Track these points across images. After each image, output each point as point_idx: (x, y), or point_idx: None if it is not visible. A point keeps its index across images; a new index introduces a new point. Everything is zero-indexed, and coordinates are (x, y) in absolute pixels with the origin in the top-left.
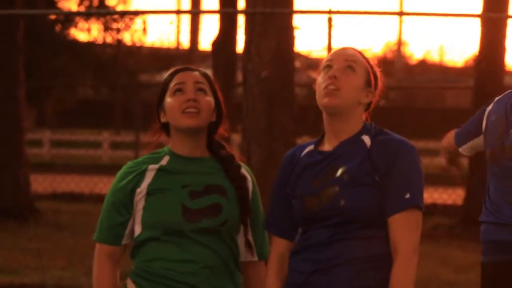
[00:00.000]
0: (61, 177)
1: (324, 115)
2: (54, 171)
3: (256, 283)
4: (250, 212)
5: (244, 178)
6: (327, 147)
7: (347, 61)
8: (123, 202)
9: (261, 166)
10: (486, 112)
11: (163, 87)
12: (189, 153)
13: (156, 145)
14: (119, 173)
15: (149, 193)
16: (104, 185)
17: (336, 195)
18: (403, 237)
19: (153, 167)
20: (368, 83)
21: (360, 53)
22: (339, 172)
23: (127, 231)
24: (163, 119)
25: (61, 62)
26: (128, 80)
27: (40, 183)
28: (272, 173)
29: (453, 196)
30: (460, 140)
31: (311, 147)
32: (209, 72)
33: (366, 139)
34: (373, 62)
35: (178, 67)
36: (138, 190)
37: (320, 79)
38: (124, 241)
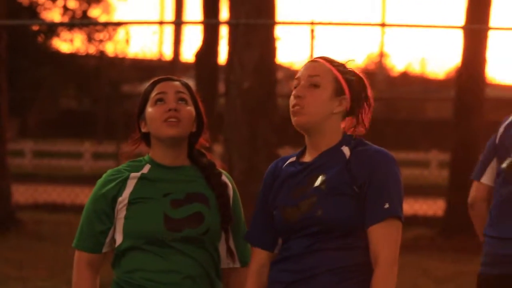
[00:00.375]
0: (43, 187)
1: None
2: (36, 182)
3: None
4: (231, 220)
5: (225, 185)
6: (307, 158)
7: (310, 78)
8: (105, 210)
9: (243, 176)
10: (504, 125)
11: (144, 97)
12: (170, 162)
13: (135, 154)
14: (100, 180)
15: (131, 202)
16: (86, 196)
17: (313, 205)
18: (383, 247)
19: (134, 175)
20: (338, 92)
21: (330, 62)
22: (318, 182)
23: (108, 239)
24: (143, 129)
25: (43, 73)
26: (111, 90)
27: (22, 194)
28: (254, 183)
29: (434, 207)
30: (477, 173)
31: (293, 159)
32: (191, 83)
33: (346, 150)
34: (345, 69)
35: (159, 77)
36: (120, 199)
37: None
38: (104, 249)
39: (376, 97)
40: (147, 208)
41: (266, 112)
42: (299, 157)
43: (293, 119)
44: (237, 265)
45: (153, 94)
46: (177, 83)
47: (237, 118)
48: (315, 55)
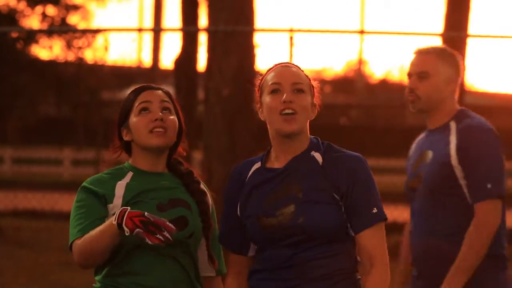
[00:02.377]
0: (22, 194)
1: (276, 136)
2: (16, 188)
3: None
4: (211, 226)
5: (204, 192)
6: (275, 164)
7: (295, 83)
8: (99, 200)
9: (222, 184)
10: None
11: (126, 106)
12: (151, 169)
13: (115, 162)
14: (86, 184)
15: (123, 205)
16: (65, 202)
17: (293, 214)
18: (376, 249)
19: (121, 183)
20: (312, 99)
21: (300, 68)
22: (294, 190)
23: None
24: (126, 138)
25: (23, 80)
26: (90, 97)
27: (1, 200)
28: None
29: None
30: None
31: (258, 165)
32: (171, 90)
33: (317, 155)
34: (310, 75)
35: (140, 86)
36: (111, 205)
37: (270, 102)
38: None
39: (355, 105)
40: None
41: (245, 119)
42: (264, 163)
43: (282, 126)
44: (213, 273)
45: (136, 103)
46: (160, 92)
47: (217, 125)
48: (294, 62)
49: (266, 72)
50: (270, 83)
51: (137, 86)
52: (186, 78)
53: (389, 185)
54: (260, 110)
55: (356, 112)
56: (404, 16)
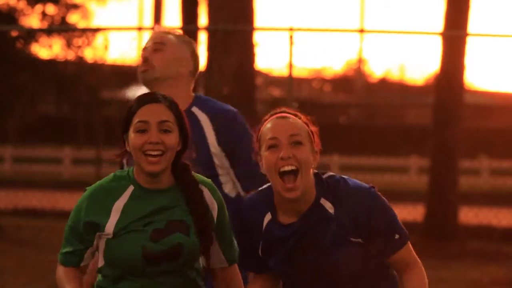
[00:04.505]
0: (22, 193)
1: (279, 196)
2: (16, 187)
3: (235, 283)
4: (211, 244)
5: (206, 208)
6: (285, 219)
7: (292, 136)
8: (85, 233)
9: None
10: None
11: (128, 117)
12: (154, 185)
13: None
14: (83, 203)
15: (114, 234)
16: (66, 201)
17: (322, 265)
18: (409, 260)
19: (118, 206)
20: (313, 147)
21: (298, 116)
22: (316, 246)
23: (86, 255)
24: (127, 148)
25: (22, 79)
26: (90, 96)
27: (2, 199)
28: None
29: (414, 213)
30: None
31: (269, 216)
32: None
33: (327, 204)
34: (308, 119)
35: (144, 96)
36: (103, 232)
37: (268, 158)
38: (83, 263)
39: (354, 104)
40: (127, 241)
41: (245, 118)
42: (274, 214)
43: (284, 194)
44: (225, 264)
45: (135, 118)
46: (161, 106)
47: None
48: (294, 61)
49: (263, 122)
50: (267, 137)
51: (141, 94)
52: None
53: (389, 183)
54: (261, 163)
55: (355, 111)
56: (404, 15)
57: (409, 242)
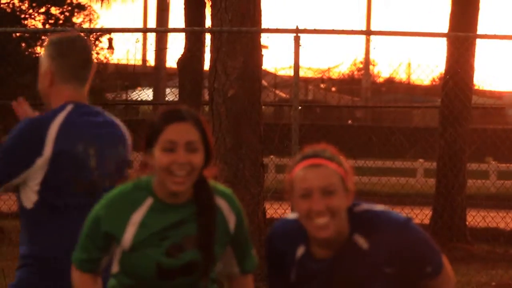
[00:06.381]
0: None
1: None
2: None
3: None
4: (211, 262)
5: (213, 227)
6: (319, 252)
7: (325, 188)
8: (114, 235)
9: (227, 184)
10: None
11: (153, 133)
12: (173, 200)
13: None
14: (100, 211)
15: (131, 248)
16: None
17: None
18: (441, 286)
19: (135, 219)
20: (346, 187)
21: (330, 158)
22: (350, 280)
23: (103, 261)
24: (150, 162)
25: (26, 80)
26: (94, 98)
27: (4, 202)
28: (239, 190)
29: (420, 215)
30: None
31: (302, 249)
32: (175, 90)
33: (360, 240)
34: (341, 159)
35: (171, 112)
36: (117, 247)
37: (300, 207)
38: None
39: (361, 105)
40: (143, 255)
41: (250, 120)
42: (308, 247)
43: (317, 235)
44: (239, 274)
45: (162, 136)
46: (188, 125)
47: (222, 125)
48: (301, 63)
49: (295, 166)
50: (299, 186)
51: (168, 110)
52: (190, 78)
53: (395, 186)
54: (293, 204)
55: (362, 112)
56: (411, 16)
57: (442, 271)
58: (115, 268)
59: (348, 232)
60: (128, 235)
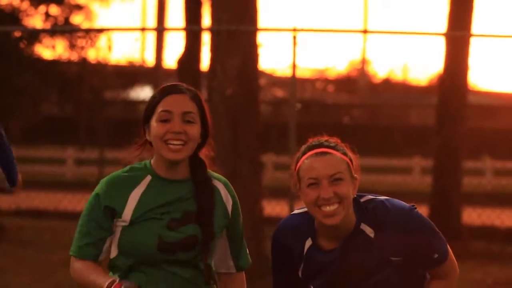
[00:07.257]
0: (25, 193)
1: (320, 223)
2: None
3: None
4: (211, 239)
5: (212, 204)
6: (326, 243)
7: (332, 176)
8: (104, 220)
9: None
10: None
11: (150, 106)
12: (171, 175)
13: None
14: (100, 190)
15: (131, 221)
16: (69, 202)
17: (369, 287)
18: (443, 273)
19: (136, 193)
20: (352, 175)
21: (336, 147)
22: (358, 270)
23: (105, 247)
24: (147, 137)
25: (26, 79)
26: (93, 97)
27: (4, 200)
28: (236, 188)
29: None
30: None
31: (309, 242)
32: None
33: (367, 229)
34: (346, 147)
35: (168, 86)
36: (120, 218)
37: (308, 195)
38: (101, 258)
39: (358, 104)
40: (144, 228)
41: (248, 118)
42: (315, 239)
43: (324, 221)
44: (233, 270)
45: (159, 108)
46: (185, 97)
47: (220, 124)
48: (298, 62)
49: (302, 156)
50: (307, 176)
51: (165, 85)
52: (189, 77)
53: (392, 184)
54: (300, 195)
55: (359, 111)
56: (408, 15)
57: (448, 257)
58: (113, 254)
59: (355, 221)
60: (129, 209)
